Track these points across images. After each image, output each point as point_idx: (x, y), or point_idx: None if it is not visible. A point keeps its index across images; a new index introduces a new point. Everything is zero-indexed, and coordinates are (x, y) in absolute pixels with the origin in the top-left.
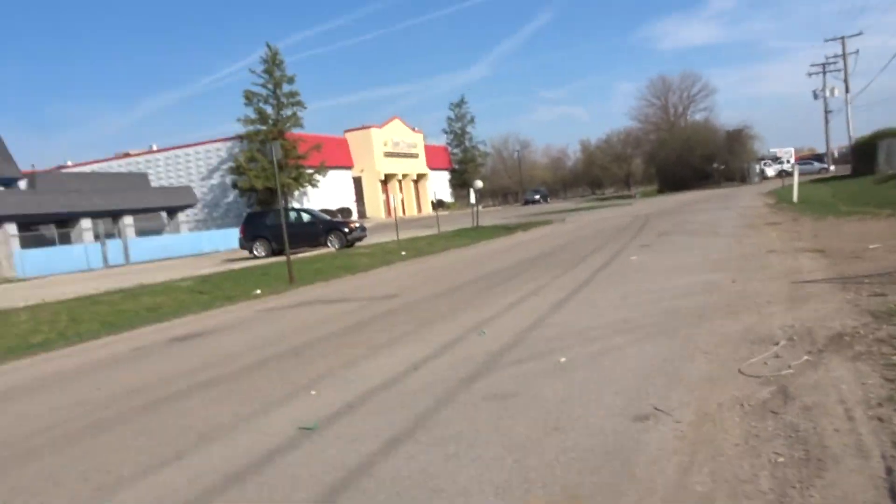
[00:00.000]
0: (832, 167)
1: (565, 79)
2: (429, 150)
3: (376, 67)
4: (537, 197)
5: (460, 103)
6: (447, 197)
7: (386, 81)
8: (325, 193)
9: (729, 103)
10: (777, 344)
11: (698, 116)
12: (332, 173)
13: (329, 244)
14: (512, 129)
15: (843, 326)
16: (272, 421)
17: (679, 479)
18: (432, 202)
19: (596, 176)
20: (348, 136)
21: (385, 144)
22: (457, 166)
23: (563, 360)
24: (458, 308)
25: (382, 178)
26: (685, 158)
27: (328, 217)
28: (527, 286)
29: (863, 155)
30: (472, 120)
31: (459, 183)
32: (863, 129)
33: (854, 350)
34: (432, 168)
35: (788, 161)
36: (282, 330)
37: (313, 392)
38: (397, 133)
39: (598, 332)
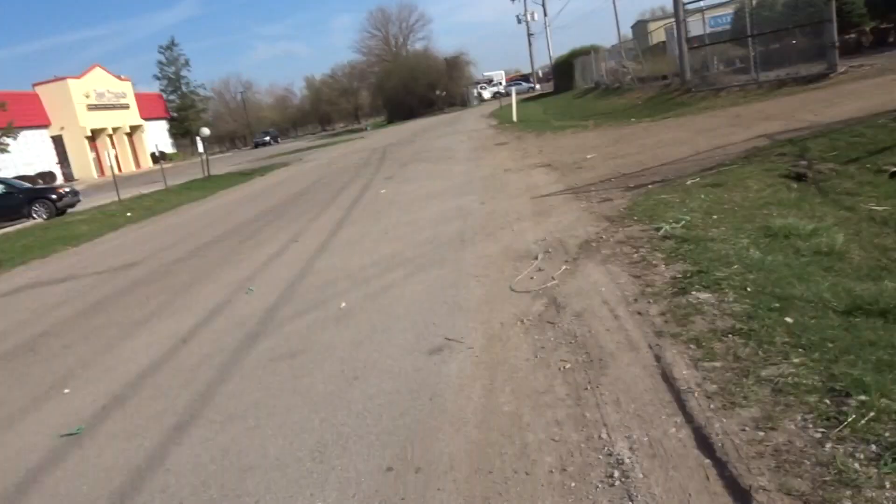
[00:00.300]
0: (538, 86)
1: (281, 14)
2: (141, 98)
3: (64, 8)
4: (268, 139)
5: (170, 46)
6: (169, 148)
7: (78, 24)
8: (18, 158)
9: (444, 31)
10: (536, 258)
11: (418, 45)
12: (24, 135)
13: (35, 216)
14: (232, 71)
15: (587, 233)
16: (23, 433)
17: (486, 403)
18: (153, 155)
19: (325, 112)
20: (39, 90)
21: (87, 97)
22: (176, 114)
23: (343, 305)
24: (214, 267)
25: (89, 134)
26: (410, 87)
27: (28, 185)
28: (283, 233)
29: (562, 73)
30: (186, 63)
31: (181, 132)
32: (561, 49)
33: (602, 254)
34: (148, 118)
35: (501, 83)
36: (1, 324)
37: (66, 390)
38: (101, 83)
39: (370, 272)
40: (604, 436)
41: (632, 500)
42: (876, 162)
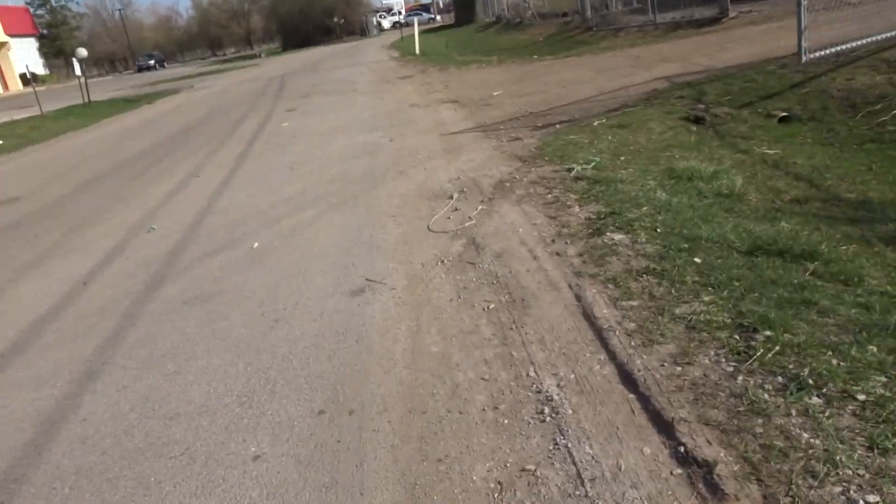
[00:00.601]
0: (439, 17)
1: None
2: (3, 12)
3: None
4: (152, 62)
5: None
6: (41, 69)
7: None
8: None
9: None
10: (452, 198)
11: None
12: None
13: None
14: None
15: (501, 173)
16: None
17: (414, 345)
18: (23, 76)
19: (215, 36)
20: None
21: None
22: (46, 31)
23: (255, 245)
24: (109, 204)
25: None
26: (307, 13)
27: None
28: (182, 167)
29: (464, 5)
30: None
31: (54, 52)
32: None
33: (516, 194)
34: (13, 35)
35: (400, 12)
36: None
37: None
38: None
39: (280, 210)
40: (532, 374)
41: (563, 435)
42: (766, 107)
